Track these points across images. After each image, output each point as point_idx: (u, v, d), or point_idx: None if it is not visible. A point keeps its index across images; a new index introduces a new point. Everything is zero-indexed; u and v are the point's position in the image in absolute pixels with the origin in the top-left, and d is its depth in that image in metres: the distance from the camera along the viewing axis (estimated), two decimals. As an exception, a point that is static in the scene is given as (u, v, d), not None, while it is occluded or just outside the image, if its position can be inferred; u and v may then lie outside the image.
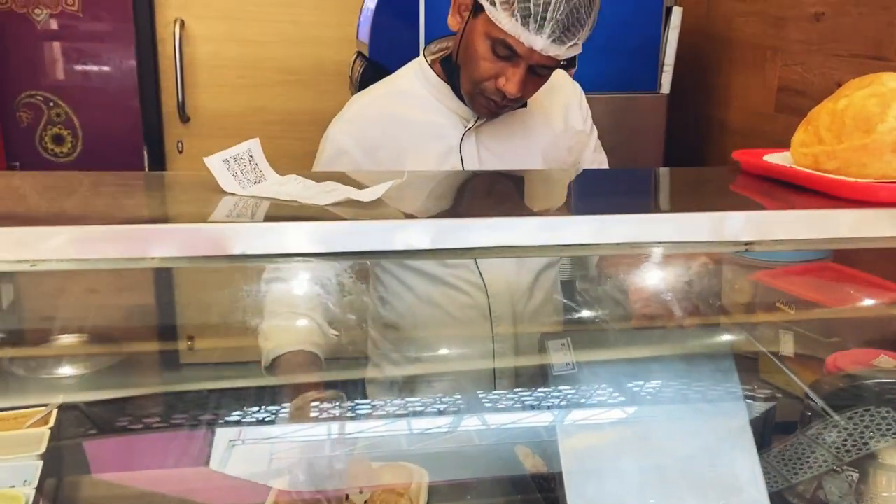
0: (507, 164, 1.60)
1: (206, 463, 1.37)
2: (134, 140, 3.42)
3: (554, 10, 1.36)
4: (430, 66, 1.61)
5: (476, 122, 1.59)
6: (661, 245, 0.98)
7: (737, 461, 1.27)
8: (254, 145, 1.14)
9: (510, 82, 1.44)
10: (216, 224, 0.95)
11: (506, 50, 1.42)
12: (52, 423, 1.44)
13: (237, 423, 1.40)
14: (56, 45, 3.31)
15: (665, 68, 2.58)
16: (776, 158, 1.24)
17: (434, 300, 1.61)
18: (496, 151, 1.61)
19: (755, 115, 2.48)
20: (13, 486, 1.27)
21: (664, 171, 1.66)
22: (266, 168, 1.14)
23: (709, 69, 2.75)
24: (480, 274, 1.60)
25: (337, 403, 1.39)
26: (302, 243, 0.93)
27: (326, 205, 1.04)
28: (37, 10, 3.27)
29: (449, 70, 1.57)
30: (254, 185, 1.11)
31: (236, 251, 0.92)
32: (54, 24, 3.28)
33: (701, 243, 0.99)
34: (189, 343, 1.46)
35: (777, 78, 2.35)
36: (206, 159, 1.10)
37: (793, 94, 2.28)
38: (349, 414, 1.39)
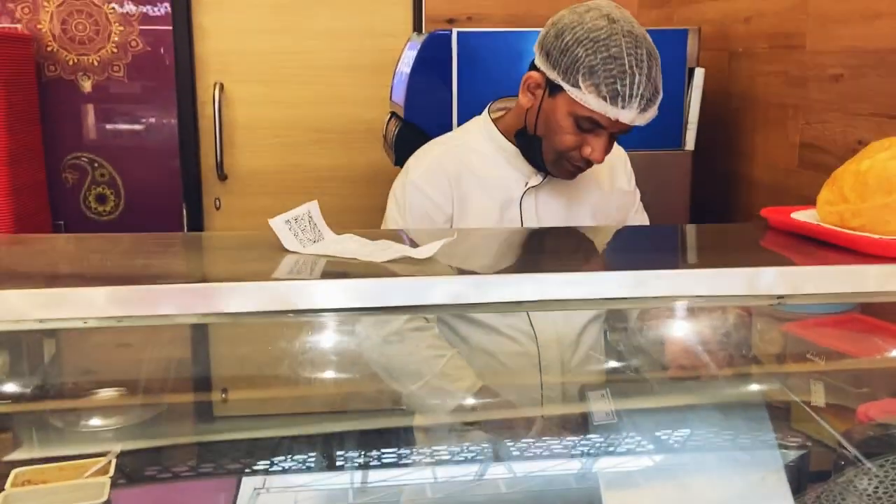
0: (562, 220, 1.71)
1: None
2: (174, 198, 3.54)
3: (638, 87, 1.49)
4: (495, 124, 1.73)
5: (543, 179, 1.70)
6: (697, 298, 1.04)
7: (774, 508, 1.30)
8: (313, 207, 1.23)
9: (596, 151, 1.57)
10: (284, 281, 1.03)
11: (590, 124, 1.54)
12: (111, 472, 1.51)
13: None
14: (101, 108, 3.46)
15: (689, 126, 2.67)
16: (803, 216, 1.30)
17: (487, 349, 1.69)
18: (553, 208, 1.72)
19: (779, 171, 2.55)
20: (82, 531, 1.33)
21: (698, 227, 1.73)
22: (324, 227, 1.23)
23: (732, 126, 2.83)
24: (531, 324, 1.68)
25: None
26: (360, 298, 1.00)
27: (382, 261, 1.12)
28: (84, 77, 3.43)
29: (524, 139, 1.67)
30: (313, 244, 1.20)
31: (303, 306, 0.99)
32: (100, 89, 3.43)
33: (735, 297, 1.05)
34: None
35: (799, 135, 2.42)
36: (270, 221, 1.18)
37: (815, 151, 2.35)
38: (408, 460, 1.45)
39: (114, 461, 1.54)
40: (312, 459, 1.44)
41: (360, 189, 3.58)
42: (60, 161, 3.45)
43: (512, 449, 1.46)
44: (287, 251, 1.17)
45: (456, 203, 1.67)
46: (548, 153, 1.63)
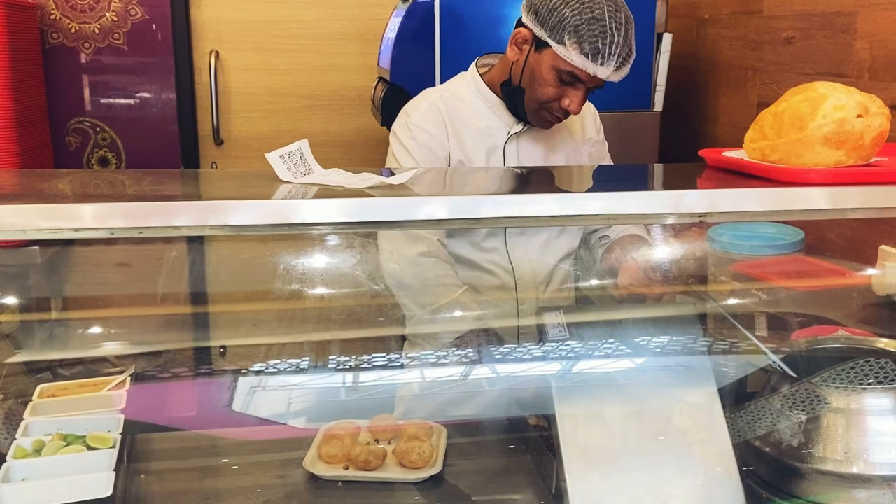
0: (541, 164, 1.92)
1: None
2: (172, 161, 3.70)
3: (616, 47, 1.69)
4: (481, 77, 1.92)
5: (524, 128, 1.90)
6: (630, 216, 1.23)
7: (705, 414, 1.49)
8: (304, 144, 1.41)
9: (573, 103, 1.77)
10: (280, 200, 1.21)
11: (571, 77, 1.74)
12: (127, 386, 1.70)
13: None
14: (102, 75, 3.62)
15: (658, 88, 2.84)
16: (733, 154, 1.49)
17: (470, 283, 1.88)
18: (532, 154, 1.93)
19: (739, 130, 2.72)
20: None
21: (649, 166, 1.93)
22: (313, 163, 1.41)
23: (698, 89, 3.00)
24: (510, 259, 1.89)
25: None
26: (343, 214, 1.19)
27: (363, 188, 1.30)
28: (86, 45, 3.58)
29: (508, 90, 1.86)
30: (304, 176, 1.38)
31: (296, 220, 1.18)
32: (101, 57, 3.58)
33: (663, 214, 1.24)
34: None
35: (757, 95, 2.60)
36: (266, 154, 1.36)
37: (770, 109, 2.52)
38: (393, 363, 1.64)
39: (129, 378, 1.73)
40: (307, 362, 1.61)
41: (350, 152, 3.76)
42: (64, 125, 3.60)
43: (488, 356, 1.64)
44: (281, 181, 1.35)
45: (452, 142, 1.86)
46: (530, 103, 1.81)
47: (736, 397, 1.57)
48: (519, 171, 1.75)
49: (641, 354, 1.54)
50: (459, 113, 1.89)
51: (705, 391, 1.50)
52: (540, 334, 1.56)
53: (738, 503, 1.41)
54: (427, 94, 1.97)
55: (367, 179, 1.34)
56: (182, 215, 1.15)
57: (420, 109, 1.91)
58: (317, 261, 1.58)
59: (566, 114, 1.79)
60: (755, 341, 1.62)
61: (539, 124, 1.85)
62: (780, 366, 1.57)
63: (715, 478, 1.42)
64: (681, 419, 1.47)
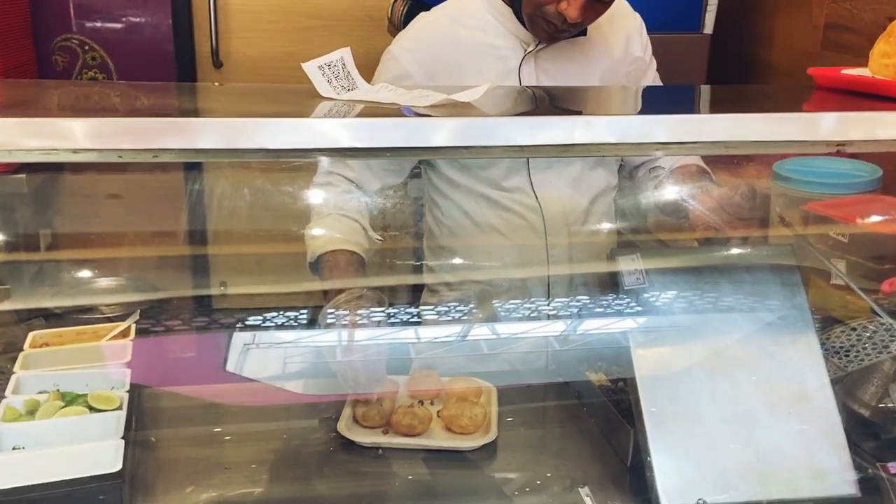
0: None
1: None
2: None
3: None
4: None
5: (536, 46, 1.62)
6: (756, 144, 1.00)
7: (806, 371, 1.30)
8: (346, 54, 1.17)
9: (571, 6, 1.48)
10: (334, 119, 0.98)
11: None
12: (132, 335, 1.49)
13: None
14: (91, -12, 3.32)
15: (709, 8, 2.59)
16: (855, 73, 1.26)
17: (490, 224, 1.66)
18: (554, 76, 1.65)
19: (800, 54, 2.48)
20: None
21: (733, 87, 1.69)
22: (357, 77, 1.17)
23: (752, 9, 2.74)
24: (536, 197, 1.65)
25: (376, 306, 1.43)
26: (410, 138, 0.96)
27: (426, 106, 1.07)
28: (72, -47, 3.27)
29: None
30: (348, 92, 1.14)
31: (347, 144, 0.95)
32: (89, -33, 3.28)
33: (793, 143, 1.01)
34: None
35: (824, 15, 2.35)
36: (303, 65, 1.13)
37: (841, 31, 2.28)
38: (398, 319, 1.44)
39: (133, 326, 1.52)
40: (304, 317, 1.43)
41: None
42: (50, 43, 3.32)
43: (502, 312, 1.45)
44: (321, 97, 1.11)
45: (443, 76, 1.59)
46: (526, 6, 1.55)
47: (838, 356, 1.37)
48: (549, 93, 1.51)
49: (733, 306, 1.33)
50: (463, 35, 1.63)
51: (807, 348, 1.31)
52: (613, 282, 1.35)
53: (847, 477, 1.22)
54: (422, 16, 1.69)
55: (426, 97, 1.11)
56: (207, 135, 0.93)
57: (404, 36, 1.65)
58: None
59: (566, 24, 1.52)
60: (860, 294, 1.41)
61: (539, 36, 1.59)
62: (888, 322, 1.38)
63: (821, 447, 1.24)
64: (781, 380, 1.27)
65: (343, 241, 1.52)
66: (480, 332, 1.44)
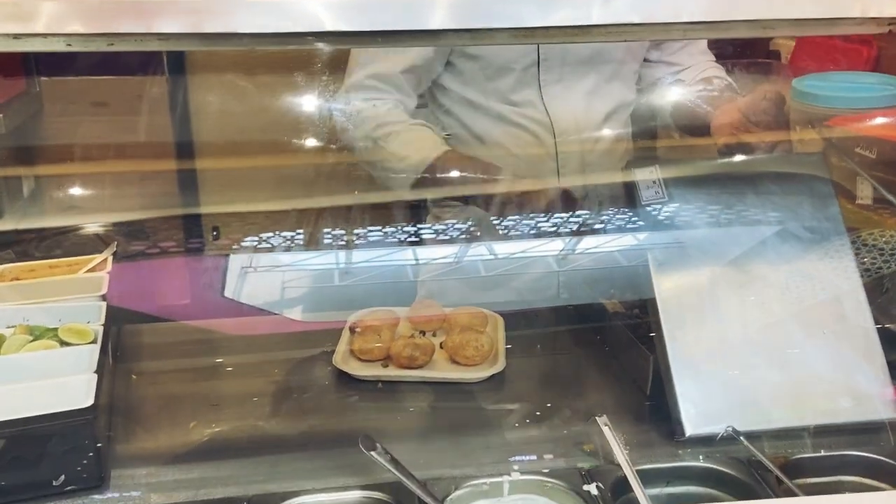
0: None
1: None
2: None
3: None
4: None
5: None
6: (803, 23, 0.88)
7: (840, 288, 1.20)
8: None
9: None
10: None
11: None
12: (109, 268, 1.39)
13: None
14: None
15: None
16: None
17: (498, 141, 1.56)
18: None
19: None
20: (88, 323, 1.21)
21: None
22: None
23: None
24: (547, 112, 1.55)
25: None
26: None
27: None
28: None
29: None
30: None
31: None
32: None
33: (842, 21, 0.89)
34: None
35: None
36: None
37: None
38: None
39: (110, 258, 1.41)
40: (301, 237, 1.37)
41: None
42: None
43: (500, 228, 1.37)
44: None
45: None
46: None
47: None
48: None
49: (761, 220, 1.23)
50: None
51: (842, 265, 1.21)
52: (629, 198, 1.24)
53: (887, 399, 1.13)
54: None
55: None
56: (170, 18, 0.80)
57: None
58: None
59: None
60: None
61: None
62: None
63: (858, 369, 1.15)
64: (814, 300, 1.17)
65: (443, 142, 1.46)
66: (484, 253, 1.33)
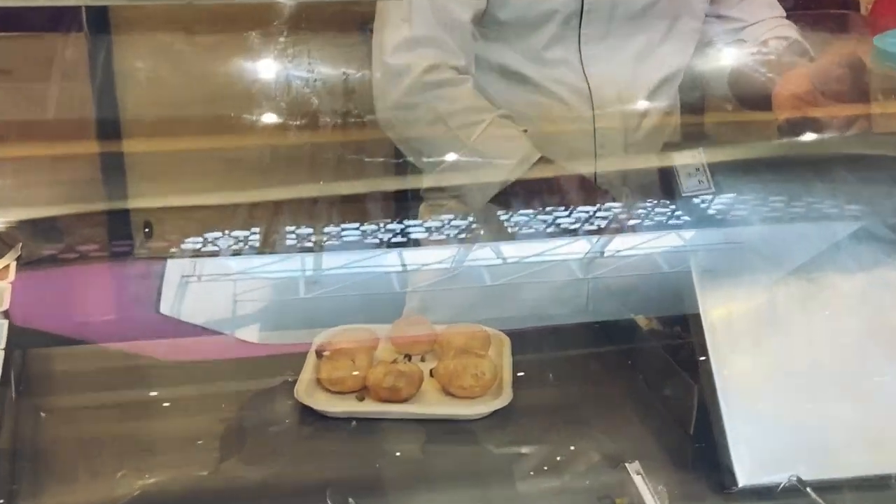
0: None
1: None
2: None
3: None
4: None
5: None
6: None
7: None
8: None
9: None
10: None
11: None
12: (12, 277, 1.37)
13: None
14: None
15: None
16: None
17: (522, 112, 1.58)
18: None
19: None
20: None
21: None
22: None
23: None
24: (585, 76, 1.58)
25: None
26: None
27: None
28: None
29: None
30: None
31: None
32: None
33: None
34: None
35: None
36: None
37: None
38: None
39: (14, 264, 1.40)
40: (256, 238, 1.37)
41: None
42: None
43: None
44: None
45: None
46: None
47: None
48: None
49: (832, 216, 1.24)
50: None
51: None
52: (665, 185, 1.24)
53: None
54: None
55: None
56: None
57: None
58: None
59: None
60: None
61: None
62: None
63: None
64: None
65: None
66: (487, 257, 1.32)
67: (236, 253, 1.37)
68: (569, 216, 1.33)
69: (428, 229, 1.43)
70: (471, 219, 1.43)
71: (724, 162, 1.23)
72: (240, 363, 1.44)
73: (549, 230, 1.33)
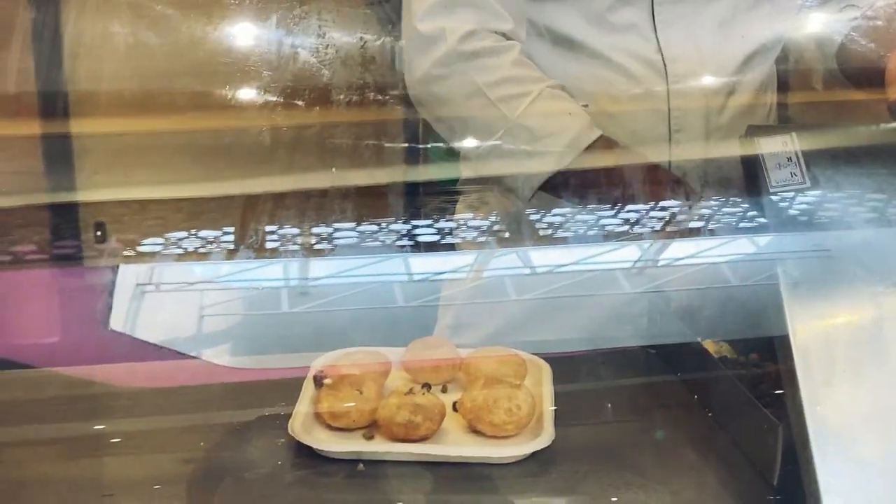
0: None
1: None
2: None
3: None
4: None
5: None
6: None
7: None
8: None
9: None
10: None
11: None
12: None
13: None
14: None
15: None
16: None
17: (580, 89, 1.60)
18: None
19: None
20: None
21: None
22: None
23: None
24: (659, 45, 1.61)
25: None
26: None
27: None
28: None
29: None
30: None
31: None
32: None
33: None
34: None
35: None
36: None
37: None
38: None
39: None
40: (229, 239, 1.39)
41: None
42: None
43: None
44: None
45: None
46: None
47: None
48: None
49: None
50: None
51: None
52: (750, 178, 1.23)
53: None
54: None
55: None
56: None
57: None
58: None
59: None
60: None
61: None
62: None
63: None
64: None
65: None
66: (516, 265, 1.34)
67: (201, 257, 1.38)
68: (631, 213, 1.34)
69: (443, 231, 1.44)
70: (513, 218, 1.44)
71: (822, 150, 1.23)
72: (217, 391, 1.46)
73: (605, 231, 1.35)
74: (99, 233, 1.60)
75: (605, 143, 1.50)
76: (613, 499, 1.23)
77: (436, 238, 1.39)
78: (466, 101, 1.55)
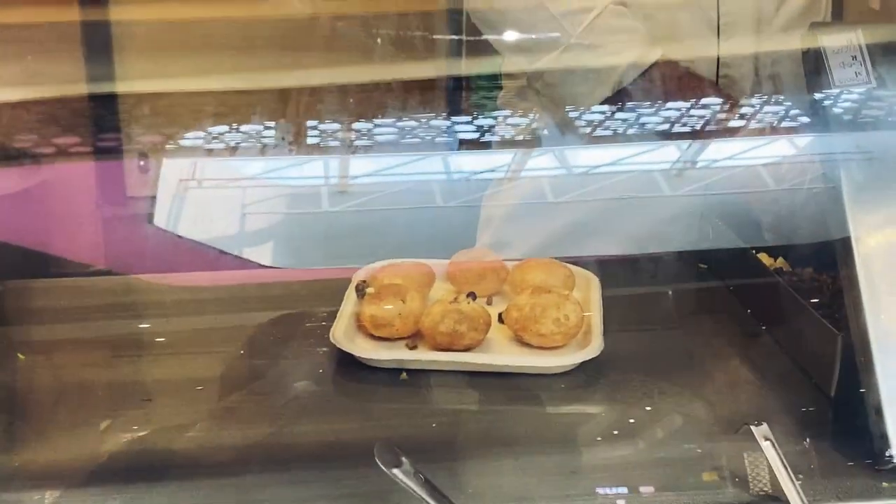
0: None
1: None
2: None
3: None
4: None
5: None
6: None
7: None
8: None
9: None
10: None
11: None
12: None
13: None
14: None
15: None
16: None
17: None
18: None
19: None
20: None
21: None
22: None
23: None
24: None
25: None
26: None
27: None
28: None
29: None
30: None
31: None
32: None
33: None
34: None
35: None
36: None
37: None
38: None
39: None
40: (270, 133, 1.35)
41: None
42: None
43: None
44: None
45: None
46: None
47: None
48: None
49: None
50: None
51: None
52: (810, 76, 1.20)
53: None
54: None
55: None
56: None
57: None
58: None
59: None
60: None
61: None
62: None
63: None
64: None
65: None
66: (556, 169, 1.32)
67: (246, 152, 1.36)
68: (679, 114, 1.31)
69: (482, 128, 1.41)
70: (534, 116, 1.42)
71: (890, 47, 1.17)
72: (256, 292, 1.45)
73: (650, 134, 1.32)
74: (139, 126, 1.59)
75: (664, 63, 1.49)
76: (662, 407, 1.21)
77: (475, 136, 1.36)
78: (529, 15, 1.53)
